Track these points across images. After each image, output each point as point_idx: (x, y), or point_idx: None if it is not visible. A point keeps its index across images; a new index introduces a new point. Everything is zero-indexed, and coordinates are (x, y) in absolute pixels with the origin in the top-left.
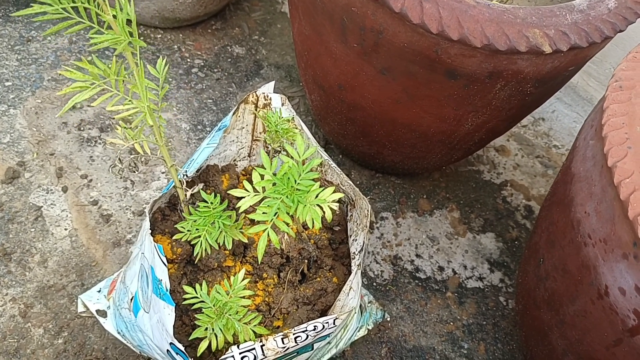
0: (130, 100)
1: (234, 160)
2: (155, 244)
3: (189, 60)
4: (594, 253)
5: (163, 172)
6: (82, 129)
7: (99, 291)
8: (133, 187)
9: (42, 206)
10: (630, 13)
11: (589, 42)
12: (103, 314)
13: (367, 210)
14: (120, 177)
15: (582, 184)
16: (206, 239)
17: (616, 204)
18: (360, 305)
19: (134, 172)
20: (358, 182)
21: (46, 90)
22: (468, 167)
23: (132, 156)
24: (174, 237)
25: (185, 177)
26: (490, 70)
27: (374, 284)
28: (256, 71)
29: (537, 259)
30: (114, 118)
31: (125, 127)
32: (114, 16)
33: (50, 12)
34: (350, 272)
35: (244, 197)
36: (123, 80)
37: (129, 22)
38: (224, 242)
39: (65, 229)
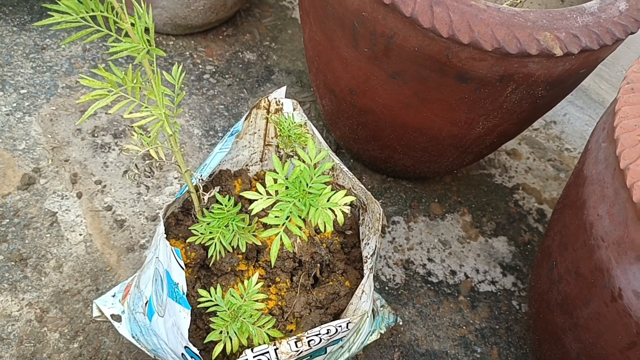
0: (146, 108)
1: (246, 165)
2: (173, 247)
3: (200, 66)
4: (607, 256)
5: (175, 178)
6: (96, 135)
7: (114, 296)
8: (147, 193)
9: (57, 212)
10: None
11: (600, 45)
12: (117, 318)
13: (379, 214)
14: (136, 183)
15: (594, 187)
16: (220, 241)
17: (629, 207)
18: (373, 309)
19: (149, 177)
20: (369, 187)
21: (60, 98)
22: (479, 170)
23: (147, 162)
24: (188, 241)
25: (200, 181)
26: (501, 74)
27: (386, 288)
28: (267, 77)
29: (550, 262)
30: (131, 126)
31: (141, 134)
32: (132, 24)
33: (69, 21)
34: (362, 276)
35: (256, 200)
36: (140, 88)
37: (146, 30)
38: (237, 246)
39: (80, 235)
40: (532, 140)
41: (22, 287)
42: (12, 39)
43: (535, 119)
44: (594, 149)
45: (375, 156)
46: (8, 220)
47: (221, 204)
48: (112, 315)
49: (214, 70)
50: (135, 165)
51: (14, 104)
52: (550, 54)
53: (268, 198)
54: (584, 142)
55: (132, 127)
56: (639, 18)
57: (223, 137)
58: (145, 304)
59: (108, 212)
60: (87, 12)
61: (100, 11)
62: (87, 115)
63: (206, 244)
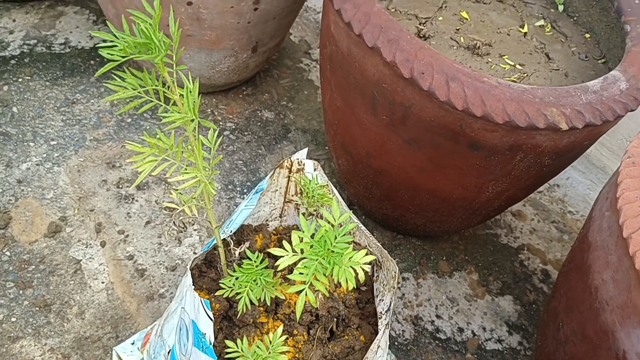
0: (186, 169)
1: (266, 221)
2: (202, 299)
3: (221, 123)
4: (611, 319)
5: (195, 230)
6: (120, 186)
7: (133, 343)
8: (167, 244)
9: (81, 260)
10: None
11: (602, 121)
12: None
13: (395, 272)
14: (174, 238)
15: (599, 253)
16: (248, 295)
17: (632, 273)
18: None
19: (182, 232)
20: (380, 243)
21: (88, 150)
22: (486, 230)
23: (180, 218)
24: (216, 293)
25: (231, 238)
26: (511, 144)
27: (396, 343)
28: (284, 135)
29: (556, 323)
30: (175, 189)
31: (180, 193)
32: (182, 95)
33: (129, 96)
34: (375, 331)
35: (283, 257)
36: (182, 152)
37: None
38: (263, 299)
39: (102, 282)
40: (537, 203)
41: (45, 333)
42: (45, 93)
43: (541, 184)
44: (597, 217)
45: (388, 214)
46: (34, 267)
47: (250, 259)
48: None
49: (233, 127)
50: (174, 222)
51: (44, 155)
52: (557, 128)
53: (294, 255)
54: (586, 205)
55: (176, 190)
56: (638, 97)
57: (248, 195)
58: (168, 352)
59: (130, 262)
60: (143, 87)
61: (155, 85)
62: (140, 179)
63: (236, 298)
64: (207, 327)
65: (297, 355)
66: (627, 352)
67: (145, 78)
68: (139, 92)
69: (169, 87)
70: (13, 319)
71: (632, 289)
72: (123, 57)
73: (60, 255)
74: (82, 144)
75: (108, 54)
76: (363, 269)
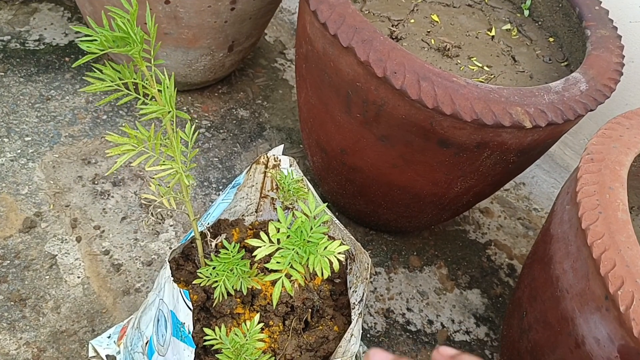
0: (164, 162)
1: (242, 215)
2: (181, 289)
3: (196, 121)
4: (571, 306)
5: (171, 225)
6: (96, 182)
7: (109, 337)
8: (143, 239)
9: (56, 255)
10: (600, 95)
11: (564, 119)
12: (112, 359)
13: (368, 264)
14: (151, 229)
15: (560, 244)
16: (224, 284)
17: (590, 262)
18: (356, 356)
19: (160, 223)
20: None
21: (63, 146)
22: (455, 226)
23: (159, 210)
24: (193, 282)
25: (208, 230)
26: (478, 141)
27: (368, 335)
28: (259, 133)
29: (520, 312)
30: (152, 177)
31: (158, 184)
32: (160, 90)
33: (107, 87)
34: (349, 322)
35: (260, 247)
36: (161, 144)
37: None
38: (236, 290)
39: (78, 277)
40: (503, 200)
41: (20, 327)
42: (19, 89)
43: (507, 181)
44: (559, 211)
45: (361, 210)
46: (9, 262)
47: (227, 250)
48: (107, 356)
49: (209, 125)
50: (151, 213)
51: (19, 151)
52: (521, 126)
53: (271, 245)
54: (550, 202)
55: (153, 178)
56: (597, 97)
57: (225, 189)
58: (146, 343)
59: (105, 257)
60: (121, 80)
61: (134, 79)
62: (115, 167)
63: (212, 286)
64: (187, 317)
65: (272, 345)
66: (586, 337)
67: (123, 71)
68: (117, 85)
69: (146, 80)
70: None
71: (590, 277)
72: (101, 50)
73: (35, 250)
74: (57, 140)
75: (87, 47)
76: (337, 259)
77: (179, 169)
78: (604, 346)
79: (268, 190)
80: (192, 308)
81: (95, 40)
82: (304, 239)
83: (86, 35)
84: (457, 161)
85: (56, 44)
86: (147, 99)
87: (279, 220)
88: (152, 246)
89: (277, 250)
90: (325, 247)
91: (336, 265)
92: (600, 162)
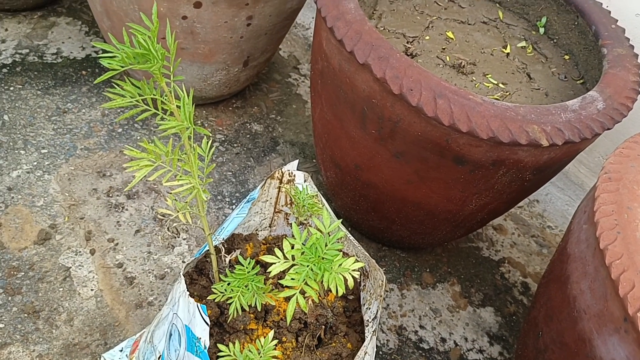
0: (181, 177)
1: (256, 230)
2: (198, 304)
3: (211, 135)
4: (589, 327)
5: (184, 239)
6: (110, 195)
7: (121, 350)
8: (156, 252)
9: (70, 267)
10: (617, 113)
11: (580, 138)
12: None
13: (382, 281)
14: (167, 243)
15: (577, 264)
16: (239, 300)
17: (608, 283)
18: None
19: (176, 237)
20: None
21: (79, 159)
22: (468, 243)
23: (174, 224)
24: (208, 298)
25: (223, 245)
26: (494, 159)
27: (380, 352)
28: (272, 147)
29: (536, 332)
30: (169, 192)
31: (175, 199)
32: (178, 107)
33: (127, 103)
34: (362, 339)
35: (274, 263)
36: (178, 159)
37: None
38: (250, 305)
39: (92, 290)
40: (517, 217)
41: (33, 339)
42: (36, 102)
43: (522, 198)
44: (576, 230)
45: (374, 226)
46: (23, 274)
47: (242, 265)
48: None
49: (223, 139)
50: (168, 228)
51: (35, 163)
52: (538, 144)
53: (285, 261)
54: (564, 220)
55: (170, 193)
56: (614, 116)
57: (239, 204)
58: (158, 358)
59: (119, 269)
60: (141, 96)
61: (153, 95)
62: (135, 182)
63: (228, 302)
64: (203, 332)
65: None
66: (604, 359)
67: (143, 87)
68: (136, 101)
69: (165, 96)
70: (1, 325)
71: (608, 298)
72: (122, 66)
73: (49, 262)
74: (73, 152)
75: (108, 63)
76: (352, 276)
77: (196, 184)
78: None
79: (282, 205)
80: (209, 323)
81: (116, 56)
82: (319, 256)
83: (105, 51)
84: (473, 178)
85: (73, 58)
86: (165, 115)
87: (293, 236)
88: (165, 259)
89: (291, 266)
90: (340, 264)
91: (351, 283)
92: (618, 181)
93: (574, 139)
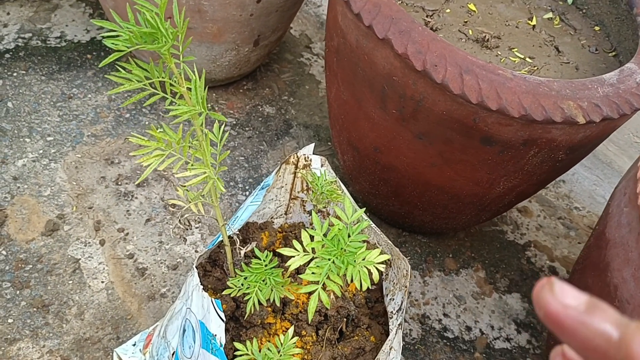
0: (193, 166)
1: (271, 218)
2: (213, 299)
3: (226, 119)
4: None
5: (197, 227)
6: (119, 183)
7: (134, 345)
8: (168, 242)
9: (80, 259)
10: None
11: (619, 114)
12: None
13: (407, 271)
14: (179, 237)
15: (618, 250)
16: (257, 295)
17: None
18: None
19: (188, 229)
20: None
21: (86, 146)
22: (492, 227)
23: (186, 216)
24: (223, 293)
25: (238, 237)
26: (525, 138)
27: (403, 342)
28: (286, 130)
29: None
30: (183, 185)
31: (186, 189)
32: (188, 88)
33: (135, 87)
34: (385, 331)
35: (293, 257)
36: (189, 147)
37: None
38: (271, 300)
39: (102, 282)
40: (542, 199)
41: (43, 334)
42: (40, 88)
43: (552, 180)
44: (615, 213)
45: (394, 211)
46: (31, 266)
47: (259, 259)
48: None
49: (234, 122)
50: (179, 220)
51: (40, 151)
52: (574, 121)
53: (305, 255)
54: (592, 201)
55: (183, 186)
56: None
57: (253, 191)
58: (172, 354)
59: (130, 260)
60: (148, 79)
61: (162, 77)
62: (147, 173)
63: (244, 298)
64: (218, 328)
65: (306, 356)
66: None
67: (151, 69)
68: (144, 85)
69: (175, 79)
70: (10, 320)
71: None
72: (128, 47)
73: (58, 254)
74: (80, 139)
75: (113, 44)
76: (377, 269)
77: (211, 174)
78: None
79: (298, 192)
80: (224, 319)
81: (120, 36)
82: (342, 248)
83: (110, 31)
84: (501, 160)
85: (78, 41)
86: (174, 98)
87: (310, 224)
88: (177, 249)
89: (311, 259)
90: (364, 257)
91: (376, 276)
92: None
93: (612, 115)
